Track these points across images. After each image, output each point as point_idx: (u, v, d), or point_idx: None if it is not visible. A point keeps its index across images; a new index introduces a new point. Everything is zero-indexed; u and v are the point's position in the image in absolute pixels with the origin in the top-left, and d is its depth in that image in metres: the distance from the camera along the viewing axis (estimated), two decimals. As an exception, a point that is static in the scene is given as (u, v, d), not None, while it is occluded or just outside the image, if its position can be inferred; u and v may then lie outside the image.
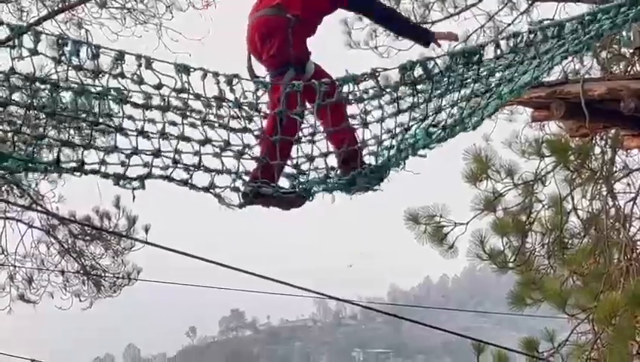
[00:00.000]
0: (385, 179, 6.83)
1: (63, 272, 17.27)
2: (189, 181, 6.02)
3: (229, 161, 6.17)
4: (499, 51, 6.96)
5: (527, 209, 12.77)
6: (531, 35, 7.07)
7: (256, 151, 6.34)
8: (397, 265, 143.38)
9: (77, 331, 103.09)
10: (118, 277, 17.50)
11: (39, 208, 16.48)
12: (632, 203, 12.70)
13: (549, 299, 11.46)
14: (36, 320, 17.77)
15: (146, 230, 17.31)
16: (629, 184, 13.28)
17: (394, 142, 6.74)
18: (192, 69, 5.80)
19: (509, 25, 14.77)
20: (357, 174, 6.62)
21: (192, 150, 6.01)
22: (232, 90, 6.01)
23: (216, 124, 6.09)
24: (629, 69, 12.61)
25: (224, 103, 6.08)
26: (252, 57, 6.97)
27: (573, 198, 12.95)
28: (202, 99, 5.98)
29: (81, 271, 17.33)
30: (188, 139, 5.97)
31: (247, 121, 6.26)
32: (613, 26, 7.44)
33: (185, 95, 5.86)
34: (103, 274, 17.46)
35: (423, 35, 7.18)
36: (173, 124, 5.95)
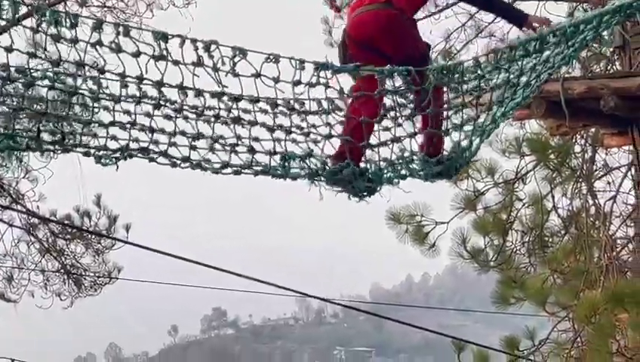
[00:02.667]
0: (376, 191, 6.84)
1: (43, 271, 17.21)
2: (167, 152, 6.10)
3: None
4: (479, 70, 6.96)
5: (507, 207, 12.81)
6: (512, 52, 7.06)
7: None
8: (379, 263, 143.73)
9: (58, 330, 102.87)
10: (98, 276, 17.45)
11: (19, 207, 16.42)
12: (612, 201, 12.74)
13: (530, 297, 11.51)
14: (16, 320, 17.69)
15: (127, 229, 17.28)
16: (609, 182, 13.31)
17: (387, 154, 6.78)
18: (170, 36, 5.82)
19: (490, 23, 14.77)
20: (345, 166, 6.65)
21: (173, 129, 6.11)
22: (211, 57, 5.98)
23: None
24: (609, 68, 12.64)
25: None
26: (351, 42, 7.11)
27: (553, 197, 13.00)
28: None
29: (62, 270, 17.27)
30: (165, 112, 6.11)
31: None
32: (596, 35, 7.44)
33: (164, 62, 5.88)
34: (83, 273, 17.41)
35: (515, 18, 7.30)
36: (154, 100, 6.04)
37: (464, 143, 7.07)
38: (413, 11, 7.32)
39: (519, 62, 7.08)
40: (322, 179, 6.67)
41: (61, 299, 17.38)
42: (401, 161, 6.87)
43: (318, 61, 6.42)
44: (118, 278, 17.49)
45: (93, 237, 17.26)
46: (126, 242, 13.51)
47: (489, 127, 7.21)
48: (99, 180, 16.41)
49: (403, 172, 6.88)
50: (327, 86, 6.43)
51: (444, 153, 7.06)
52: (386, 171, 6.83)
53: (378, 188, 6.83)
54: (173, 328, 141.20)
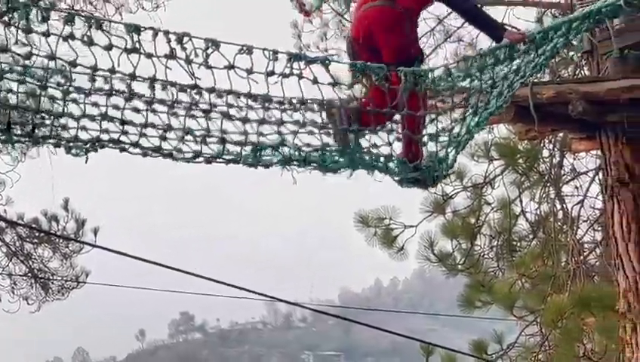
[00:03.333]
0: (347, 167, 6.88)
1: (10, 275, 17.10)
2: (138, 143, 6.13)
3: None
4: (450, 78, 6.99)
5: (476, 211, 12.84)
6: (483, 59, 7.09)
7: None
8: (348, 266, 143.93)
9: (25, 334, 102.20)
10: (66, 280, 17.36)
11: (-14, 211, 16.31)
12: (579, 206, 12.82)
13: (497, 301, 11.55)
14: (-18, 323, 17.61)
15: (95, 233, 17.20)
16: (576, 187, 13.39)
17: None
18: (142, 29, 5.82)
19: (459, 28, 14.82)
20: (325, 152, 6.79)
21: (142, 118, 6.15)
22: (183, 49, 6.02)
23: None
24: (577, 72, 12.70)
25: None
26: (355, 44, 7.30)
27: (521, 201, 13.05)
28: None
29: (29, 274, 17.16)
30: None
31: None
32: (567, 43, 7.47)
33: (137, 56, 5.89)
34: (51, 277, 17.31)
35: (494, 32, 7.35)
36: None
37: (441, 154, 7.10)
38: (419, 11, 7.46)
39: (490, 71, 7.10)
40: (295, 164, 6.70)
41: (28, 304, 17.28)
42: (379, 155, 6.92)
43: (291, 52, 6.48)
44: (85, 282, 17.40)
45: (61, 241, 17.16)
46: (94, 246, 13.45)
47: (464, 138, 7.24)
48: (60, 174, 16.38)
49: (380, 165, 6.91)
50: (300, 76, 6.48)
51: (423, 162, 7.09)
52: (365, 154, 6.88)
53: (351, 168, 6.86)
54: (141, 332, 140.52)
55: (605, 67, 8.33)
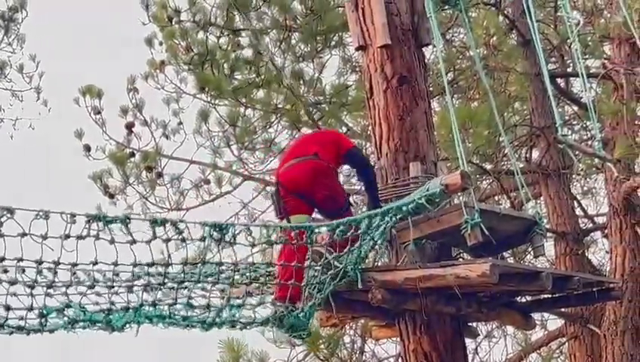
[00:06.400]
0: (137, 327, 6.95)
1: None
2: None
3: None
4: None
5: (279, 400, 12.76)
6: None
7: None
8: None
9: None
10: None
11: None
12: (379, 390, 12.91)
13: None
14: None
15: None
16: (378, 371, 13.51)
17: None
18: None
19: (263, 212, 15.03)
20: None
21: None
22: None
23: None
24: (377, 260, 12.95)
25: None
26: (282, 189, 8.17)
27: (322, 387, 13.04)
28: None
29: None
30: None
31: None
32: (374, 244, 7.72)
33: None
34: None
35: (375, 203, 8.44)
36: None
37: None
38: (336, 168, 8.48)
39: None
40: (80, 326, 6.63)
41: None
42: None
43: (90, 213, 6.46)
44: None
45: None
46: None
47: None
48: None
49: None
50: (97, 237, 6.45)
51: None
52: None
53: (136, 323, 6.87)
54: None
55: (404, 256, 8.51)
